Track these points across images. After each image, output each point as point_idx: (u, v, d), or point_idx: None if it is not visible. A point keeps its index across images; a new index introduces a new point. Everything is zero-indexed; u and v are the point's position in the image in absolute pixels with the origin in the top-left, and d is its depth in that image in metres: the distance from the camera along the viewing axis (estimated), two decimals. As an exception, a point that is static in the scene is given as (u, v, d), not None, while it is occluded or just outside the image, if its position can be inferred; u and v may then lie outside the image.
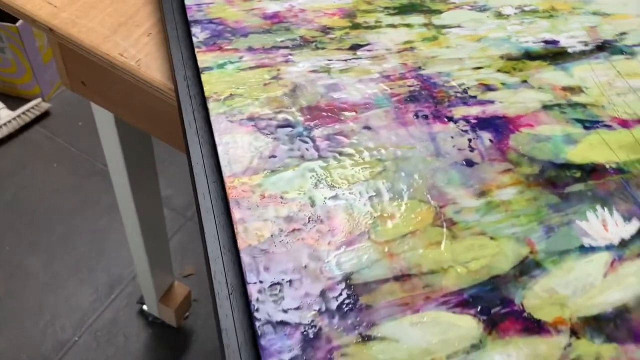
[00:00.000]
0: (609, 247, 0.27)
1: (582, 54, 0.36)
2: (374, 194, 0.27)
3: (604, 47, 0.36)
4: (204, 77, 0.31)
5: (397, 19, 0.36)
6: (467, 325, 0.24)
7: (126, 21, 0.36)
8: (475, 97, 0.32)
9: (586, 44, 0.36)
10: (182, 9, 0.34)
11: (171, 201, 1.10)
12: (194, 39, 0.32)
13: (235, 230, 0.25)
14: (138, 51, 0.35)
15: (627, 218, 0.28)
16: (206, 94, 0.30)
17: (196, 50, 0.32)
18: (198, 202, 0.27)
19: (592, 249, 0.27)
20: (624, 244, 0.27)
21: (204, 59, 0.32)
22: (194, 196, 0.28)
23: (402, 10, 0.37)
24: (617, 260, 0.27)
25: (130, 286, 0.99)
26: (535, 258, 0.26)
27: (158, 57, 0.35)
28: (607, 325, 0.24)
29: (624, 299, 0.25)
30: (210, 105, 0.30)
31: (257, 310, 0.23)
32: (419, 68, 0.33)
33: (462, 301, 0.24)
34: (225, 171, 0.27)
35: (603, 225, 0.28)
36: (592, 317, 0.25)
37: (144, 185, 0.66)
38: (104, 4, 0.37)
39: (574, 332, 0.24)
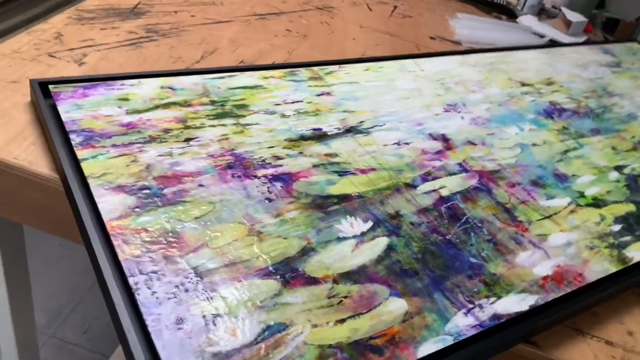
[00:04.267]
0: (355, 237, 0.45)
1: (336, 135, 0.56)
2: (209, 221, 0.43)
3: (350, 130, 0.57)
4: (83, 164, 0.45)
5: (215, 122, 0.54)
6: (271, 284, 0.39)
7: (16, 136, 0.49)
8: (270, 163, 0.50)
9: (339, 129, 0.57)
10: (61, 124, 0.48)
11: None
12: (73, 142, 0.47)
13: (117, 251, 0.39)
14: (28, 155, 0.47)
15: (365, 220, 0.46)
16: (86, 173, 0.44)
17: (75, 149, 0.46)
18: (90, 240, 0.39)
19: (344, 239, 0.44)
20: (363, 234, 0.45)
21: (81, 153, 0.46)
22: (83, 240, 0.41)
23: (218, 116, 0.54)
24: (360, 243, 0.44)
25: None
26: (311, 246, 0.43)
27: (43, 158, 0.48)
28: (354, 275, 0.41)
29: (363, 261, 0.43)
30: (90, 180, 0.43)
31: (137, 293, 0.36)
32: (233, 149, 0.51)
33: (268, 272, 0.40)
34: (105, 217, 0.41)
35: (351, 225, 0.46)
36: (345, 272, 0.41)
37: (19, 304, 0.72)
38: (-6, 126, 0.50)
39: (335, 281, 0.41)
